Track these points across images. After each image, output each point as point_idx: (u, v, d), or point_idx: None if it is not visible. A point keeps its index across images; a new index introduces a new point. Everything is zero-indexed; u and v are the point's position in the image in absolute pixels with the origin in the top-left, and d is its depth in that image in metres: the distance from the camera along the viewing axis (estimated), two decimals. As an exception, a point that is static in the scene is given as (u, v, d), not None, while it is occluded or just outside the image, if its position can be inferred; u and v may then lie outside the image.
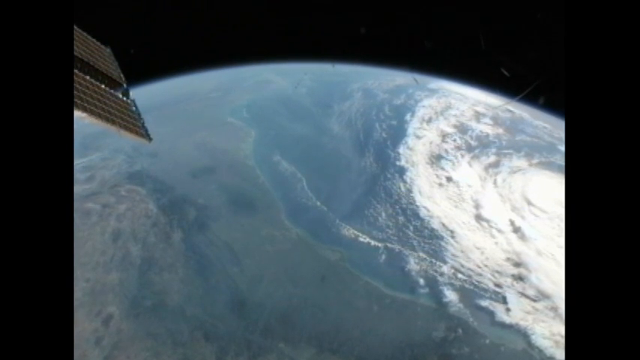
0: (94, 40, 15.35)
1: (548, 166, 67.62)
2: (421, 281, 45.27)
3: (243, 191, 58.30)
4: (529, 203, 57.64)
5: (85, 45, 14.31)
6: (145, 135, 13.58)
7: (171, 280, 44.48)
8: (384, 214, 54.90)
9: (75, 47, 13.26)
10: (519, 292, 44.59)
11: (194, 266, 46.07)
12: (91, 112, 10.87)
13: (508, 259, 48.40)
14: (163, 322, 40.26)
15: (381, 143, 73.03)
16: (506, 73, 64.72)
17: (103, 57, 15.10)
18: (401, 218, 54.28)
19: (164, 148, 67.36)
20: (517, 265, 47.70)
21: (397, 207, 56.34)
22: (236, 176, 61.83)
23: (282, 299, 42.28)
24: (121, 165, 63.96)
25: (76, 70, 12.24)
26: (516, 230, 52.35)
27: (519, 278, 46.10)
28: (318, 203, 56.63)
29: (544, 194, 58.98)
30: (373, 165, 66.71)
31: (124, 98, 14.08)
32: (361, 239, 50.66)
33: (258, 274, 45.15)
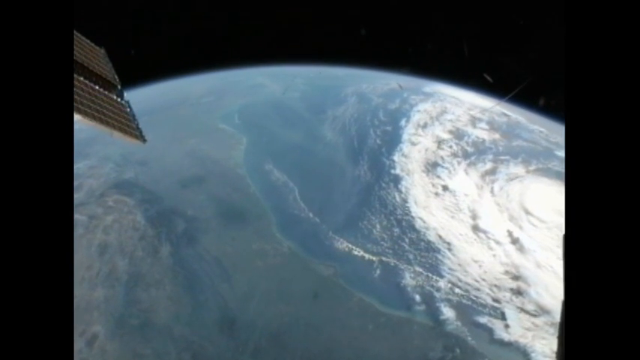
0: (88, 41, 15.53)
1: (545, 172, 66.49)
2: (417, 297, 43.89)
3: (234, 202, 56.81)
4: (527, 212, 56.45)
5: (80, 46, 14.39)
6: (140, 136, 13.59)
7: (158, 298, 43.04)
8: (378, 226, 53.49)
9: None
10: (518, 308, 43.37)
11: (182, 282, 44.64)
12: (85, 114, 10.92)
13: (506, 273, 47.18)
14: (150, 343, 38.86)
15: (375, 150, 71.53)
16: (489, 78, 63.94)
17: (97, 58, 15.20)
18: (396, 230, 52.88)
19: (154, 155, 65.95)
20: (516, 278, 46.48)
21: (392, 218, 54.94)
22: (226, 186, 60.31)
23: (273, 318, 40.83)
24: (109, 174, 62.52)
25: (70, 72, 11.87)
26: (514, 241, 51.14)
27: (518, 292, 44.89)
28: (311, 215, 55.15)
29: (542, 203, 57.83)
30: (367, 174, 65.22)
31: (119, 99, 14.19)
32: (355, 253, 49.24)
33: (248, 290, 43.68)
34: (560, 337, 6.39)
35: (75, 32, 14.73)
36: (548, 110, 77.94)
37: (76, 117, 10.43)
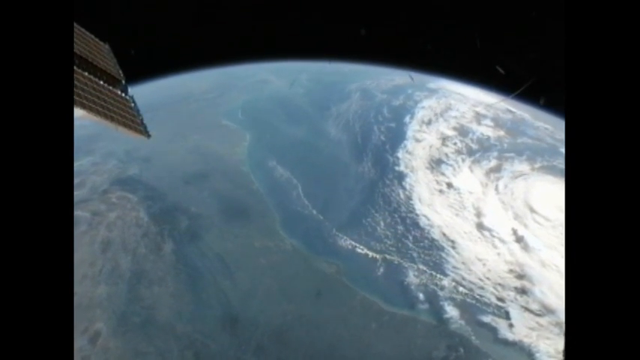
0: (92, 36, 15.34)
1: (550, 170, 65.86)
2: (421, 296, 43.64)
3: (237, 199, 56.57)
4: (532, 210, 55.94)
5: (84, 41, 14.25)
6: (144, 131, 13.53)
7: (161, 295, 42.92)
8: (382, 224, 53.16)
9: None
10: (523, 307, 43.02)
11: (185, 279, 44.49)
12: (89, 109, 10.84)
13: (511, 271, 46.80)
14: (152, 341, 38.75)
15: (379, 147, 71.06)
16: (501, 70, 63.27)
17: (102, 53, 15.06)
18: (400, 228, 52.55)
19: (157, 152, 65.76)
20: (520, 277, 46.10)
21: (396, 215, 54.59)
22: (230, 183, 60.09)
23: (276, 316, 40.68)
24: (112, 170, 62.28)
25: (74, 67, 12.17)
26: (519, 240, 50.70)
27: (522, 291, 44.53)
28: (314, 212, 54.90)
29: (547, 201, 57.26)
30: (371, 170, 64.86)
31: (123, 94, 14.01)
32: (359, 250, 48.98)
33: (251, 288, 43.52)
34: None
35: (79, 27, 14.70)
36: (552, 107, 77.15)
37: (81, 112, 10.42)
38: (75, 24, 14.23)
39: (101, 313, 40.88)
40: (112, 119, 11.82)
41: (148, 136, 13.53)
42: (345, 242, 50.12)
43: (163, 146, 67.00)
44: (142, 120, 13.84)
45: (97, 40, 15.55)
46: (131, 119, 13.21)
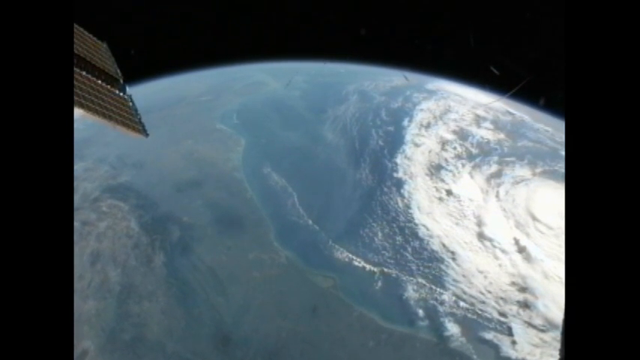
0: (90, 35, 15.53)
1: (552, 175, 64.62)
2: (420, 312, 42.14)
3: (231, 208, 55.07)
4: (534, 219, 54.57)
5: (82, 40, 14.38)
6: (142, 130, 13.64)
7: (151, 311, 41.52)
8: (380, 234, 51.61)
9: None
10: (526, 322, 41.61)
11: (176, 294, 43.07)
12: (87, 108, 10.92)
13: (513, 284, 45.38)
14: (141, 360, 37.42)
15: (377, 152, 69.55)
16: (495, 71, 62.49)
17: (100, 52, 15.22)
18: (398, 238, 51.02)
19: (150, 158, 64.56)
20: (523, 290, 44.70)
21: (394, 225, 53.06)
22: (223, 191, 58.59)
23: (270, 333, 39.23)
24: (103, 176, 60.97)
25: (72, 66, 12.37)
26: (521, 250, 49.29)
27: (525, 305, 43.11)
28: (310, 222, 53.35)
29: (549, 208, 55.94)
30: (369, 177, 63.34)
31: (121, 94, 14.18)
32: (355, 263, 47.44)
33: (244, 304, 42.07)
34: (562, 338, 6.23)
35: (77, 26, 14.70)
36: (551, 107, 76.39)
37: (79, 111, 10.42)
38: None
39: (89, 329, 39.52)
40: (110, 118, 11.87)
41: (146, 134, 13.62)
42: (342, 254, 48.58)
43: (156, 151, 65.77)
44: (140, 119, 13.98)
45: (94, 39, 15.70)
46: (129, 118, 13.28)
